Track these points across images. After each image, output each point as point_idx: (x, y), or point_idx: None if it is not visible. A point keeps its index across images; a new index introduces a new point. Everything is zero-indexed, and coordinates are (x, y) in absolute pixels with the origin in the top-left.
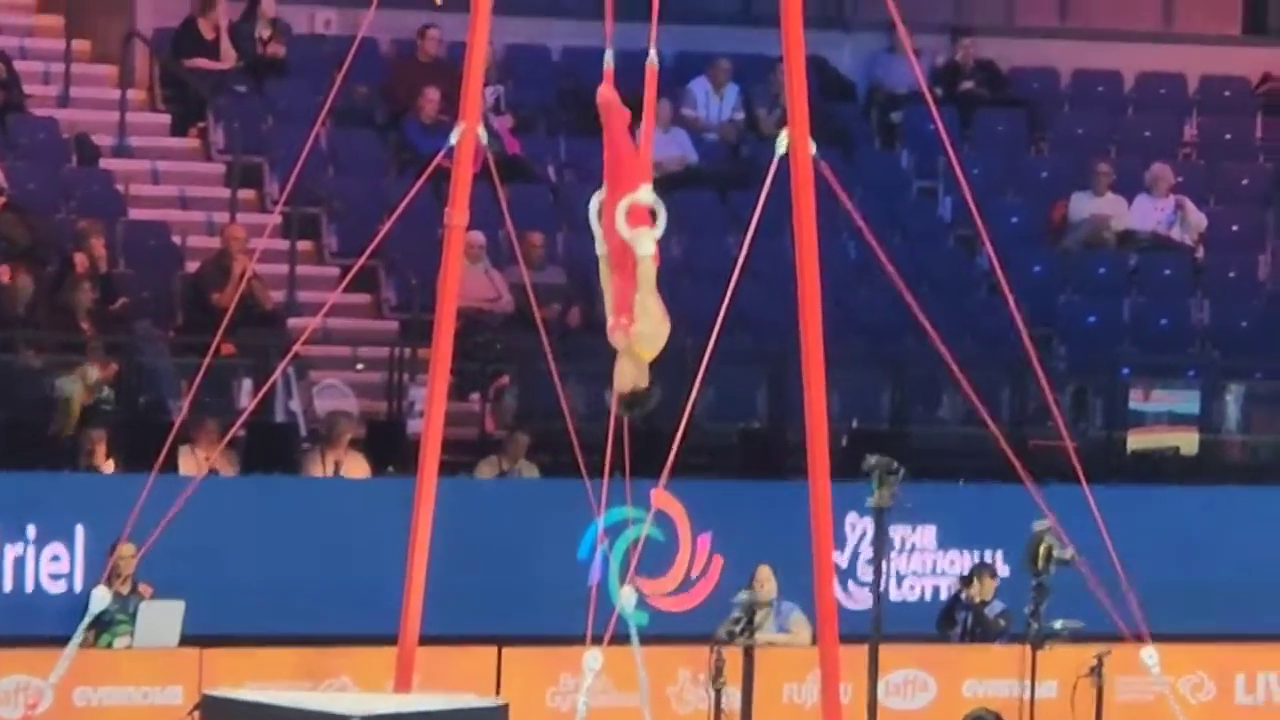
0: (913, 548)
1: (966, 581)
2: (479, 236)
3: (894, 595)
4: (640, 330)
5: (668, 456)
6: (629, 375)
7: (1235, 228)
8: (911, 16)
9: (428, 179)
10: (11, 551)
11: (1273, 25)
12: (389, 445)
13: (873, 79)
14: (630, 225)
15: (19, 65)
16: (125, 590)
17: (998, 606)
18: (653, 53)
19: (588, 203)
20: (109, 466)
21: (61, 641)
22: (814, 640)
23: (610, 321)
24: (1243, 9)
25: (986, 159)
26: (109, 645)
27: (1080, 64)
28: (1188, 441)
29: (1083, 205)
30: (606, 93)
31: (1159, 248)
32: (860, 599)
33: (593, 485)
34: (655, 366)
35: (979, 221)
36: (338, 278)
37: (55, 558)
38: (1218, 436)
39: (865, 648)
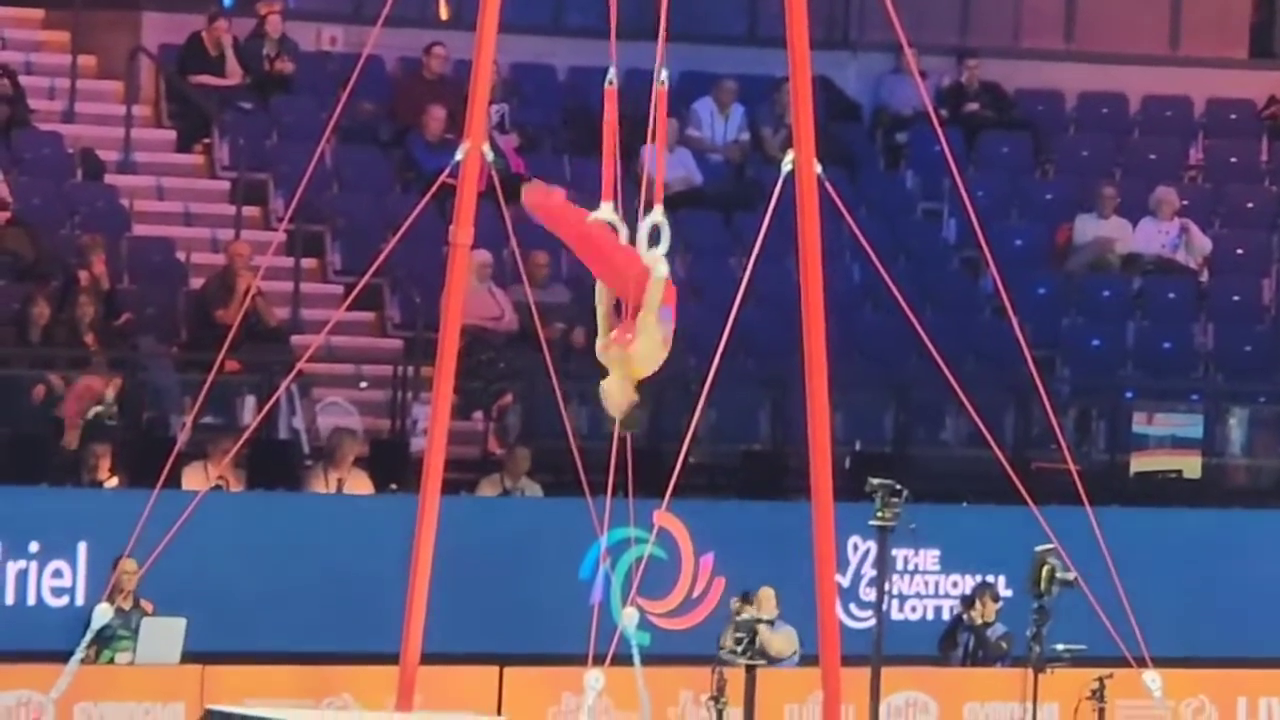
0: (915, 569)
1: (968, 602)
2: (483, 255)
3: (896, 616)
4: (639, 348)
5: (671, 476)
6: (616, 394)
7: (1240, 251)
8: (917, 38)
9: (432, 197)
10: (14, 566)
11: (1279, 49)
12: (392, 463)
13: (878, 100)
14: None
15: (25, 80)
16: (127, 606)
17: (1000, 629)
18: (663, 73)
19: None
20: (112, 482)
21: (63, 657)
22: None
23: (601, 341)
24: (1249, 32)
25: (991, 181)
26: (111, 661)
27: (1086, 86)
28: (1191, 465)
29: (1087, 228)
30: (533, 199)
31: (1163, 271)
32: (863, 620)
33: (595, 504)
34: (657, 388)
35: (983, 243)
36: (342, 295)
37: (58, 573)
38: (1221, 460)
39: (867, 669)
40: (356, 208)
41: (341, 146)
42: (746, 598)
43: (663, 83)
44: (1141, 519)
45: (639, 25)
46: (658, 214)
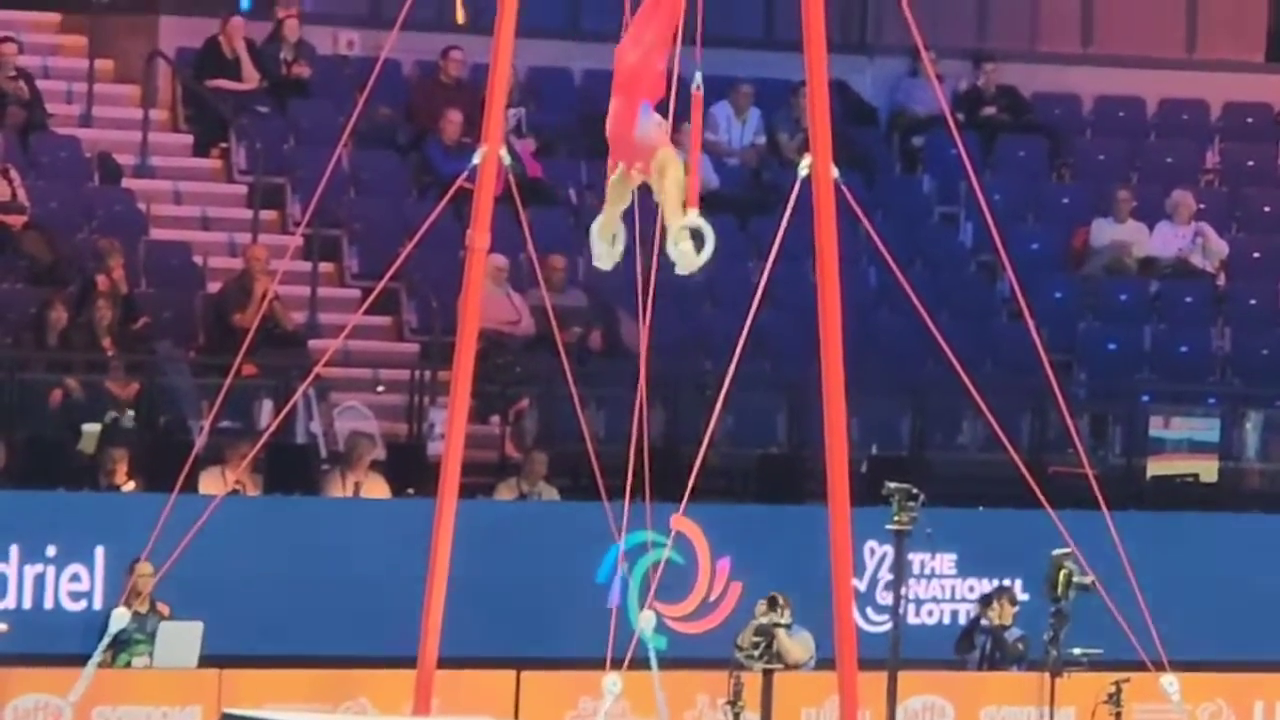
0: (932, 573)
1: (986, 603)
2: (500, 259)
3: (912, 620)
4: (665, 154)
5: (688, 480)
6: (674, 190)
7: (1257, 255)
8: (934, 42)
9: (450, 201)
10: (32, 570)
11: None
12: (409, 467)
13: (895, 104)
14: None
15: (42, 84)
16: (144, 609)
17: (1016, 632)
18: (698, 75)
19: None
20: (130, 486)
21: (81, 660)
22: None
23: (618, 172)
24: (1266, 36)
25: (1008, 185)
26: (128, 664)
27: (1102, 90)
28: (1207, 469)
29: (1104, 232)
30: None
31: (1180, 275)
32: (879, 624)
33: (613, 508)
34: (673, 391)
35: (1000, 247)
36: (359, 299)
37: (75, 577)
38: (1238, 464)
39: (884, 673)
40: (373, 212)
41: (358, 150)
42: (774, 602)
43: (698, 86)
44: (1158, 523)
45: None
46: (695, 217)
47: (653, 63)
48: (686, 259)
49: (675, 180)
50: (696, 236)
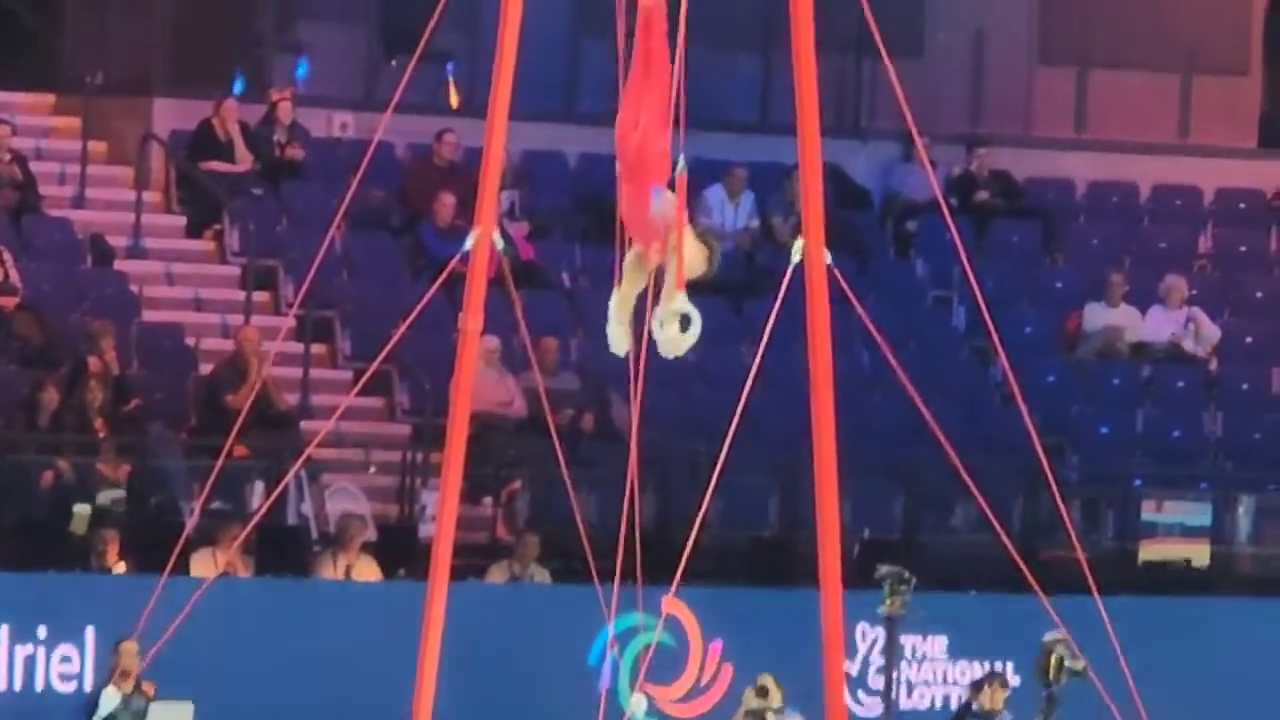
0: (923, 657)
1: (977, 688)
2: (493, 341)
3: (904, 704)
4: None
5: (679, 563)
6: (697, 260)
7: (1249, 340)
8: (928, 127)
9: (443, 284)
10: (22, 651)
11: None
12: (400, 549)
13: (888, 188)
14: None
15: (35, 166)
16: (128, 689)
17: (1008, 716)
18: (682, 159)
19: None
20: (120, 567)
21: None
22: None
23: (631, 253)
24: (1258, 122)
25: (1001, 269)
26: None
27: (1096, 175)
28: (1199, 553)
29: (1097, 316)
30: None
31: (1172, 359)
32: (871, 707)
33: (604, 591)
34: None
35: (993, 331)
36: (351, 381)
37: (66, 658)
38: (1230, 549)
39: None
40: (366, 294)
41: (352, 232)
42: (764, 691)
43: (682, 170)
44: (1150, 607)
45: None
46: (682, 301)
47: (654, 144)
48: (672, 343)
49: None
50: (683, 320)
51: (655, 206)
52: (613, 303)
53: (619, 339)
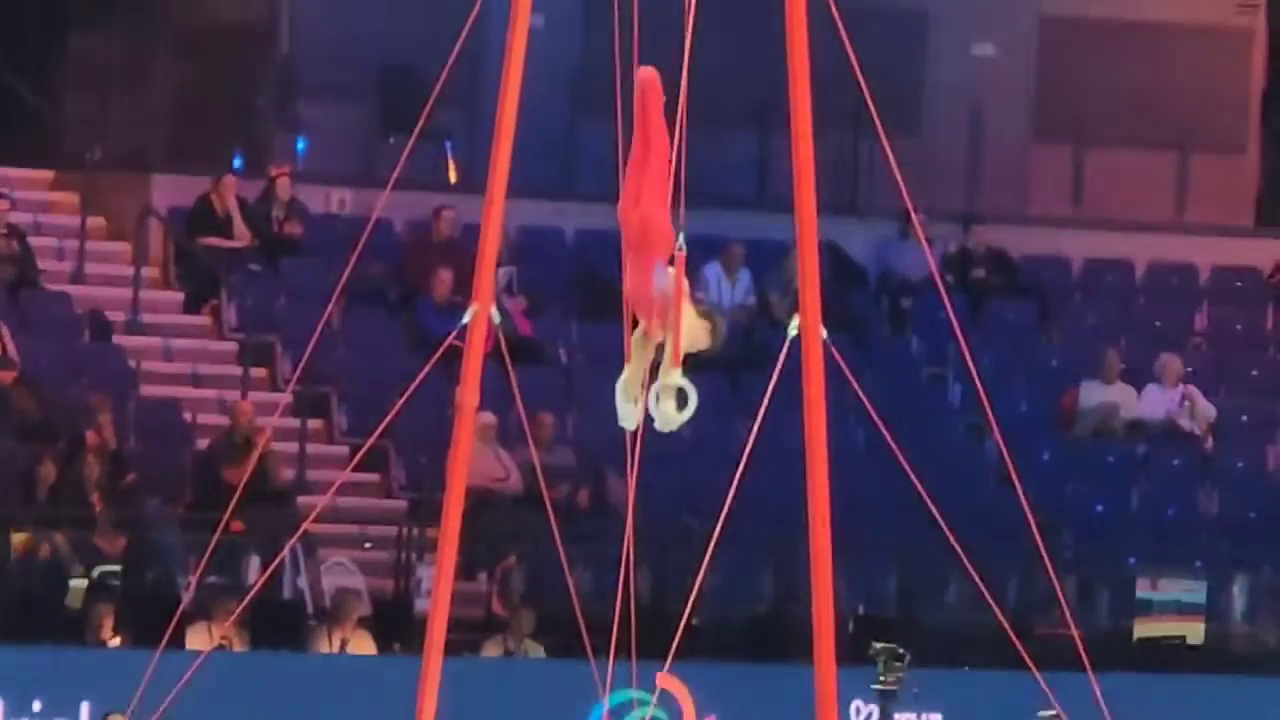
0: None
1: None
2: (489, 417)
3: None
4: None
5: (674, 639)
6: (698, 334)
7: (1245, 418)
8: (924, 204)
9: (439, 359)
10: None
11: None
12: (396, 623)
13: (884, 265)
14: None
15: (33, 241)
16: None
17: None
18: (681, 237)
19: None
20: (116, 641)
21: None
22: None
23: (638, 330)
24: (1255, 200)
25: (997, 347)
26: None
27: (1092, 253)
28: (1194, 631)
29: (1092, 394)
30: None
31: (1168, 437)
32: None
33: (598, 666)
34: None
35: (988, 409)
36: (348, 456)
37: None
38: (1225, 626)
39: None
40: (363, 369)
41: (349, 308)
42: None
43: (681, 247)
44: (1145, 685)
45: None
46: (678, 376)
47: (656, 220)
48: (667, 418)
49: (688, 335)
50: (680, 396)
51: (658, 282)
52: (621, 380)
53: (629, 415)
